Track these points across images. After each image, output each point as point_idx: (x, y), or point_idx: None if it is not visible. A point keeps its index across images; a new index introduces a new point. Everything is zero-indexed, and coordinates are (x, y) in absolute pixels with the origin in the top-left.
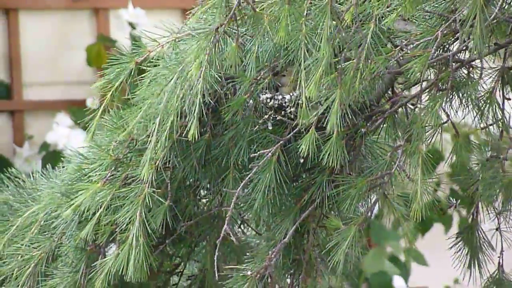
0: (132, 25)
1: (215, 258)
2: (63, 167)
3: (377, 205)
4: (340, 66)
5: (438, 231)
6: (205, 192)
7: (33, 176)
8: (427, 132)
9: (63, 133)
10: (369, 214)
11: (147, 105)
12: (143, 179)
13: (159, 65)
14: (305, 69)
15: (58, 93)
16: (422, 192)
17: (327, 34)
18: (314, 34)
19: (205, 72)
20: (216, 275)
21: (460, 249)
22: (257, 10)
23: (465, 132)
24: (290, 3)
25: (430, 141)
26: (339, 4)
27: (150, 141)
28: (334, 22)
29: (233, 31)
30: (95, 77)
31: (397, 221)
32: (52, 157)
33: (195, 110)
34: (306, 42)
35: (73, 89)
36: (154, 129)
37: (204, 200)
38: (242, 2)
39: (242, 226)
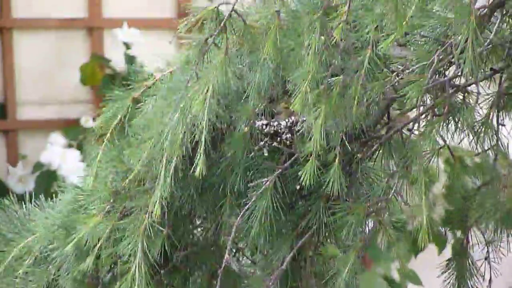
0: (127, 45)
1: None
2: (59, 199)
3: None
4: (326, 81)
5: (432, 250)
6: (200, 220)
7: (25, 205)
8: (424, 157)
9: (57, 152)
10: (367, 240)
11: (150, 145)
12: (149, 214)
13: (154, 95)
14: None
15: (52, 112)
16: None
17: (315, 49)
18: (302, 49)
19: (209, 108)
20: None
21: (450, 276)
22: (248, 23)
23: (460, 156)
24: (279, 17)
25: (427, 166)
26: (329, 21)
27: (158, 180)
28: (322, 38)
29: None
30: (89, 95)
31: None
32: (46, 176)
33: (201, 147)
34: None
35: (67, 108)
36: (162, 167)
37: (199, 229)
38: (233, 14)
39: (236, 254)
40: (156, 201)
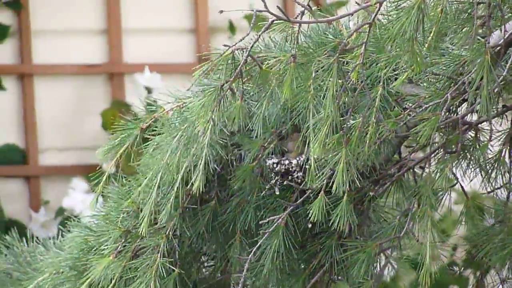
0: (148, 89)
1: None
2: (63, 236)
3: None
4: (345, 125)
5: None
6: (208, 258)
7: (27, 244)
8: (437, 195)
9: (79, 198)
10: (379, 278)
11: (152, 172)
12: (142, 234)
13: (163, 133)
14: (310, 128)
15: (74, 158)
16: (433, 256)
17: (333, 93)
18: (320, 93)
19: (212, 128)
20: None
21: None
22: (263, 68)
23: (475, 196)
24: (295, 61)
25: (439, 204)
26: (345, 63)
27: (150, 195)
28: (340, 81)
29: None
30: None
31: (413, 284)
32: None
33: (201, 163)
34: (313, 101)
35: (88, 154)
36: (155, 185)
37: (208, 267)
38: (249, 59)
39: None
40: (144, 217)
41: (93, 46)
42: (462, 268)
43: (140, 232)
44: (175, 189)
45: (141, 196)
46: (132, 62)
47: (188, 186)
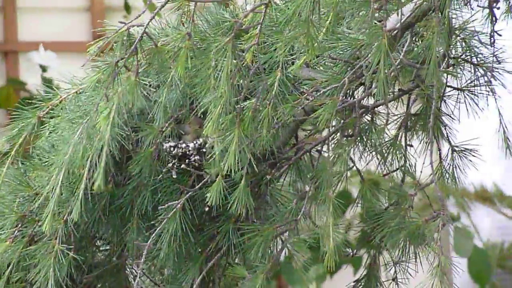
0: (43, 68)
1: None
2: None
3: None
4: (239, 106)
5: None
6: (104, 243)
7: None
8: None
9: None
10: (276, 261)
11: (58, 165)
12: (46, 233)
13: (59, 115)
14: (203, 107)
15: None
16: (334, 236)
17: (227, 72)
18: (214, 73)
19: (112, 123)
20: None
21: None
22: (159, 45)
23: (371, 179)
24: (190, 39)
25: (337, 187)
26: (239, 44)
27: (53, 194)
28: (235, 61)
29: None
30: (5, 119)
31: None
32: None
33: (101, 161)
34: (206, 80)
35: None
36: (57, 182)
37: (104, 251)
38: (144, 37)
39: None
40: (48, 214)
41: None
42: (356, 250)
43: (43, 228)
44: (82, 181)
45: (39, 181)
46: (27, 40)
47: (90, 183)
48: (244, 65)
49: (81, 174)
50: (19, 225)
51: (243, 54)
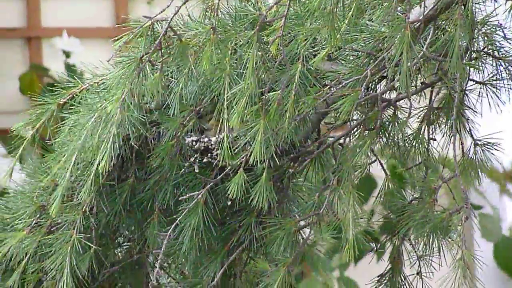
0: (67, 54)
1: None
2: None
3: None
4: (264, 97)
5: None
6: (125, 237)
7: None
8: (356, 172)
9: None
10: (298, 256)
11: (70, 150)
12: (51, 215)
13: (79, 111)
14: (228, 100)
15: None
16: (353, 228)
17: (253, 64)
18: (240, 65)
19: (123, 104)
20: None
21: None
22: (183, 40)
23: (395, 172)
24: (215, 33)
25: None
26: (264, 36)
27: (63, 176)
28: (260, 53)
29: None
30: (28, 106)
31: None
32: None
33: (109, 140)
34: (231, 73)
35: (6, 118)
36: (68, 166)
37: (125, 246)
38: (169, 31)
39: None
40: (57, 197)
41: (11, 10)
42: (379, 244)
43: (51, 212)
44: (95, 166)
45: (58, 174)
46: (50, 26)
47: (95, 166)
48: (269, 57)
49: (92, 158)
50: (38, 215)
51: (268, 46)
